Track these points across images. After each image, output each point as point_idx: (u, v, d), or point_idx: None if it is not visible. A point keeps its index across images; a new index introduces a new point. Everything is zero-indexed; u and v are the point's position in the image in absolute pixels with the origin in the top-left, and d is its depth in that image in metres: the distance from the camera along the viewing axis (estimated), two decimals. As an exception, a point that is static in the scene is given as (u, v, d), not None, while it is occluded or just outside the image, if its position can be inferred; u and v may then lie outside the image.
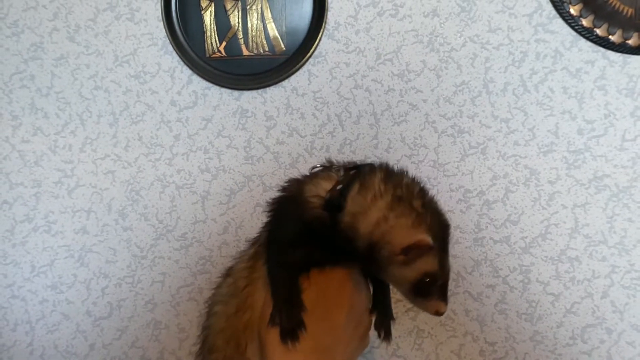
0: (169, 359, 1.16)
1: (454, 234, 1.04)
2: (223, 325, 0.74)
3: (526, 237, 1.04)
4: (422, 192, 0.68)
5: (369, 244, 0.64)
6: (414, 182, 0.69)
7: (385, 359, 1.10)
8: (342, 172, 0.70)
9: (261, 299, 0.70)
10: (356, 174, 0.69)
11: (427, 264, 0.63)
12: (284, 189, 0.74)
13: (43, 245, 1.13)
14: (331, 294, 0.68)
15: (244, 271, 0.75)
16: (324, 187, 0.69)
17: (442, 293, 0.65)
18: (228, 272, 0.79)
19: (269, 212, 0.74)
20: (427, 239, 0.61)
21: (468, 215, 1.05)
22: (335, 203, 0.67)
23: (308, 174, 0.75)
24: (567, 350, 1.05)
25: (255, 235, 0.79)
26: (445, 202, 1.05)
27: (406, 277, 0.64)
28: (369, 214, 0.64)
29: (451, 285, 1.06)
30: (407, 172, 0.70)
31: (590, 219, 1.02)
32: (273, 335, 0.64)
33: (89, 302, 1.15)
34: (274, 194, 1.06)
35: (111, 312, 1.15)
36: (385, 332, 0.76)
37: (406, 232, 0.63)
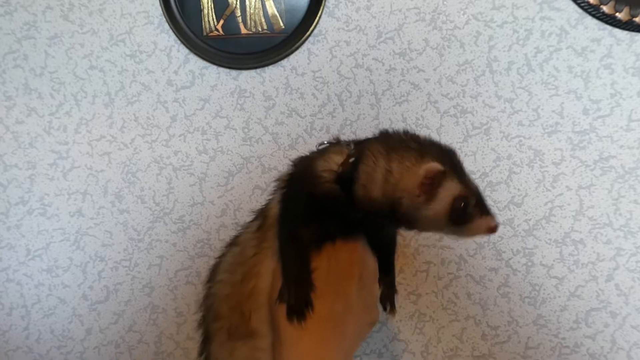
0: (167, 343, 1.14)
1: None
2: (228, 292, 0.74)
3: (530, 220, 1.02)
4: (416, 136, 0.68)
5: (389, 205, 0.63)
6: (407, 133, 0.69)
7: (386, 342, 1.09)
8: (352, 146, 0.69)
9: (269, 267, 0.70)
10: (365, 145, 0.68)
11: (449, 189, 0.61)
12: (294, 165, 0.74)
13: (38, 228, 1.12)
14: (342, 264, 0.68)
15: (252, 240, 0.74)
16: (336, 160, 0.68)
17: (482, 209, 0.62)
18: (234, 242, 0.79)
19: (280, 188, 0.74)
20: (435, 165, 0.60)
21: (470, 198, 1.03)
22: (347, 176, 0.66)
23: (315, 149, 0.74)
24: (570, 334, 1.04)
25: (261, 206, 0.78)
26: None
27: (438, 212, 0.61)
28: (375, 177, 0.64)
29: (453, 268, 1.05)
30: (404, 131, 0.70)
31: (596, 200, 1.00)
32: (284, 310, 0.65)
33: (85, 286, 1.13)
34: (276, 174, 1.07)
35: (108, 296, 1.14)
36: (390, 304, 0.76)
37: (413, 171, 0.62)
